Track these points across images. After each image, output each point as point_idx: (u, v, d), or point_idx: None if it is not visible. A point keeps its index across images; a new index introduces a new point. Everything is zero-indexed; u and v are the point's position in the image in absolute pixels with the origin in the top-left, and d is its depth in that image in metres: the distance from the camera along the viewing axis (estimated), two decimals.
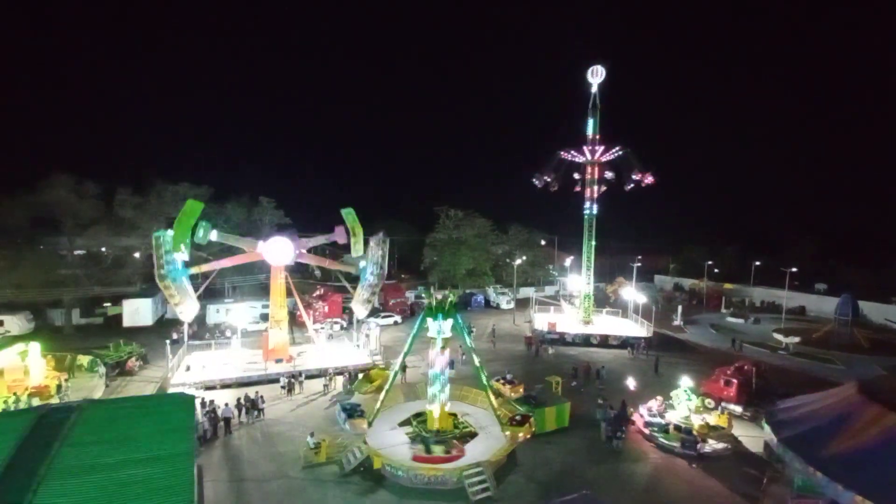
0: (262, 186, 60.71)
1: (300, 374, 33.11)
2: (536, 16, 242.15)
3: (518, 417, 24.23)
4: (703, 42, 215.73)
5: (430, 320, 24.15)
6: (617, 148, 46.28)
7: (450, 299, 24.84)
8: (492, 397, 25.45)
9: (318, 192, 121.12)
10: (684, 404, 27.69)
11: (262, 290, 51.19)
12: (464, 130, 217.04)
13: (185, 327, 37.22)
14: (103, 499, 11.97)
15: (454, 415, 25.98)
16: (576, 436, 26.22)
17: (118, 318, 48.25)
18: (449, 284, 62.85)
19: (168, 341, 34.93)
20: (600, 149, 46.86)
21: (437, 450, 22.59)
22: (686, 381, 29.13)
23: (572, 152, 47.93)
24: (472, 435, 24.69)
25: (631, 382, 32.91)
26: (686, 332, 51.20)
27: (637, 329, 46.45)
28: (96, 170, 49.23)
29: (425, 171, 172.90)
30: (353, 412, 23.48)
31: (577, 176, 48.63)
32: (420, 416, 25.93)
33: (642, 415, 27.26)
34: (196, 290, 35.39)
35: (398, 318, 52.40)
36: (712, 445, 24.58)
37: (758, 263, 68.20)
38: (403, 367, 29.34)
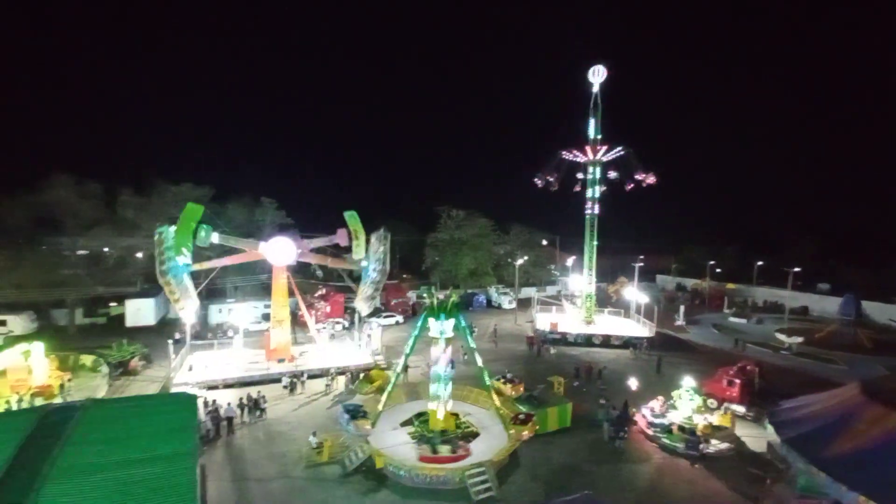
0: (263, 186, 60.77)
1: (302, 374, 33.15)
2: (536, 16, 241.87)
3: (521, 416, 24.24)
4: (703, 42, 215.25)
5: (432, 320, 24.16)
6: (619, 148, 46.23)
7: (452, 299, 24.86)
8: (495, 397, 25.46)
9: (319, 192, 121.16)
10: (687, 404, 27.64)
11: (264, 290, 51.22)
12: (464, 130, 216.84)
13: (188, 327, 37.30)
14: (106, 498, 11.99)
15: (456, 414, 25.98)
16: (578, 436, 26.20)
17: (121, 317, 48.41)
18: (451, 284, 62.85)
19: (171, 341, 35.02)
20: (602, 149, 46.81)
21: (444, 449, 22.59)
22: (688, 381, 29.08)
23: (574, 152, 47.89)
24: (474, 435, 24.69)
25: (633, 382, 32.86)
26: (688, 332, 51.11)
27: (639, 329, 46.38)
28: (97, 170, 49.43)
29: (426, 171, 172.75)
30: (356, 413, 23.50)
31: (580, 176, 48.57)
32: (422, 416, 25.94)
33: (645, 415, 27.22)
34: (196, 287, 35.43)
35: (400, 318, 52.43)
36: (716, 446, 24.53)
37: (760, 263, 68.04)
38: (405, 367, 29.37)
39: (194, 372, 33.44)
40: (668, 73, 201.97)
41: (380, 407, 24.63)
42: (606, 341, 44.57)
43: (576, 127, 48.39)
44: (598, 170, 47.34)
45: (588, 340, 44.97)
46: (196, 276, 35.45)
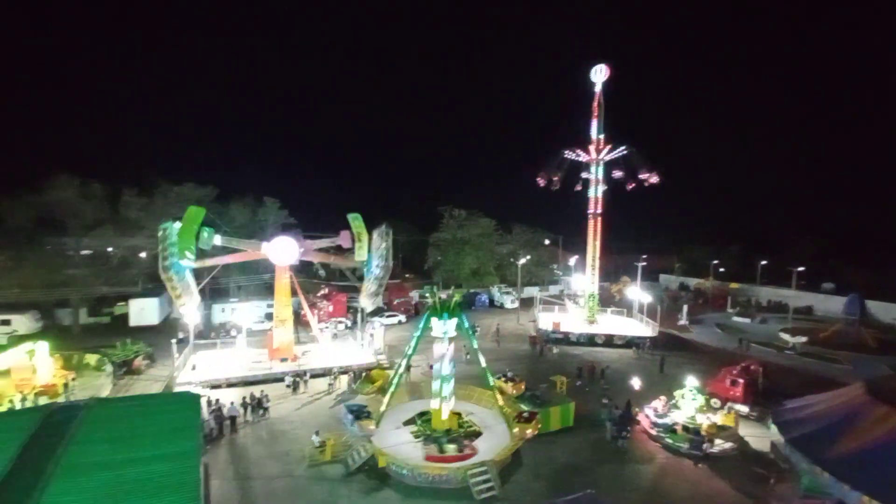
0: (264, 186, 60.75)
1: (305, 373, 33.22)
2: (537, 15, 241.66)
3: (525, 414, 24.23)
4: (704, 41, 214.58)
5: (434, 320, 24.18)
6: (622, 147, 46.14)
7: (455, 299, 24.86)
8: (499, 397, 25.45)
9: (321, 191, 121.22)
10: (690, 404, 27.57)
11: (267, 290, 51.29)
12: (466, 130, 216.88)
13: (191, 327, 37.42)
14: (110, 496, 12.06)
15: (458, 414, 26.00)
16: (580, 435, 26.17)
17: (125, 317, 48.61)
18: (453, 284, 62.84)
19: (174, 340, 35.10)
20: (606, 148, 46.73)
21: (450, 449, 22.60)
22: (692, 381, 29.01)
23: (577, 151, 47.83)
24: (477, 434, 24.70)
25: (636, 382, 32.80)
26: (691, 332, 50.93)
27: (642, 329, 46.27)
28: (100, 171, 49.58)
29: (428, 171, 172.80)
30: (360, 414, 23.49)
31: (584, 175, 48.45)
32: (424, 415, 25.96)
33: (648, 415, 27.15)
34: (198, 284, 35.48)
35: (402, 318, 52.46)
36: (720, 445, 24.45)
37: (764, 263, 67.78)
38: (408, 367, 29.41)
39: (198, 371, 33.55)
40: (668, 72, 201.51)
41: (383, 407, 24.65)
42: (609, 341, 44.49)
43: (577, 126, 48.36)
44: (600, 169, 47.26)
45: (591, 340, 44.89)
46: (198, 275, 35.53)
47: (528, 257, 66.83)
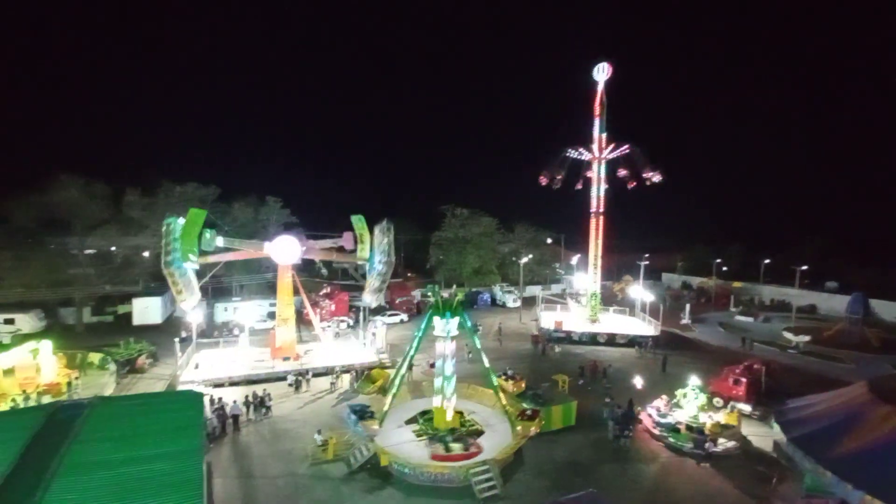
0: (266, 185, 60.87)
1: (307, 372, 33.29)
2: (538, 14, 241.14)
3: (528, 412, 24.20)
4: (705, 41, 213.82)
5: (437, 319, 24.19)
6: (625, 146, 46.05)
7: (457, 298, 24.87)
8: (502, 397, 25.44)
9: (322, 191, 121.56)
10: (692, 403, 27.54)
11: (270, 289, 51.48)
12: (467, 129, 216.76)
13: (194, 326, 37.53)
14: (113, 494, 12.11)
15: (460, 413, 26.02)
16: (582, 434, 26.15)
17: (128, 316, 48.80)
18: (455, 283, 62.82)
19: (177, 339, 35.22)
20: (609, 146, 46.65)
21: (456, 447, 22.61)
22: (694, 380, 28.97)
23: (580, 149, 47.77)
24: (479, 433, 24.71)
25: (638, 381, 32.76)
26: (694, 331, 50.87)
27: (644, 327, 46.20)
28: (102, 171, 49.64)
29: (429, 170, 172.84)
30: (363, 414, 23.46)
31: (589, 174, 48.34)
32: (426, 414, 25.98)
33: (651, 415, 27.10)
34: (199, 281, 35.59)
35: (404, 317, 52.50)
36: (723, 444, 24.41)
37: (767, 262, 67.54)
38: (410, 367, 29.43)
39: (200, 370, 33.65)
40: (670, 72, 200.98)
41: (386, 406, 24.67)
42: (611, 340, 44.44)
43: (579, 125, 48.37)
44: (602, 167, 47.16)
45: (593, 339, 44.84)
46: (200, 272, 35.63)
47: (531, 256, 66.80)
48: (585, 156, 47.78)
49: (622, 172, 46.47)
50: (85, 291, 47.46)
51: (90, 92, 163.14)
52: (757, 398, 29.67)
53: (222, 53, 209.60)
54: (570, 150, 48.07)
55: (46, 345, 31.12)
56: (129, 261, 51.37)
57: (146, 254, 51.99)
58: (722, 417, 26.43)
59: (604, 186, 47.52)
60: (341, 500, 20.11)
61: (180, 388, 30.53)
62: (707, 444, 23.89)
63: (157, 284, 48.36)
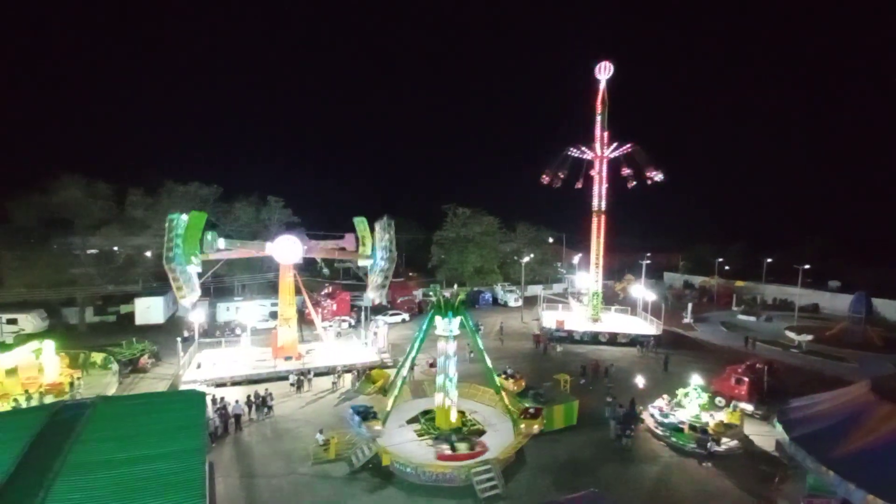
0: (266, 185, 60.77)
1: (309, 372, 33.33)
2: (539, 14, 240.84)
3: (531, 410, 24.19)
4: (706, 40, 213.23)
5: (438, 318, 24.19)
6: (628, 145, 45.99)
7: (459, 297, 24.87)
8: (505, 397, 25.43)
9: (323, 190, 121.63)
10: (694, 402, 27.50)
11: (272, 289, 51.54)
12: (468, 128, 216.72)
13: (196, 325, 37.61)
14: (116, 494, 12.13)
15: (462, 412, 26.01)
16: (584, 434, 26.13)
17: (131, 316, 48.94)
18: (456, 282, 62.83)
19: (179, 339, 35.30)
20: (611, 145, 46.57)
21: (462, 447, 22.60)
22: (696, 379, 28.92)
23: (582, 148, 47.72)
24: (480, 432, 24.71)
25: (640, 381, 32.70)
26: (696, 330, 50.78)
27: (646, 327, 46.13)
28: (103, 171, 49.86)
29: (429, 170, 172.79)
30: (366, 415, 23.47)
31: (592, 173, 48.26)
32: (428, 414, 25.99)
33: (653, 415, 27.05)
34: (200, 279, 35.66)
35: (406, 316, 52.53)
36: (725, 444, 24.37)
37: (769, 260, 67.39)
38: (412, 367, 29.43)
39: (203, 370, 33.72)
40: (672, 71, 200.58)
41: (388, 407, 24.67)
42: (613, 339, 44.38)
43: (580, 124, 48.38)
44: (604, 166, 47.08)
45: (594, 338, 44.79)
46: (201, 272, 35.67)
47: (532, 255, 66.77)
48: (587, 155, 47.72)
49: (626, 171, 46.27)
50: (87, 291, 47.57)
51: (90, 92, 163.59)
52: (759, 397, 29.62)
53: (222, 53, 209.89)
54: (571, 148, 48.04)
55: (49, 345, 31.22)
56: (131, 261, 51.48)
57: (148, 253, 52.12)
58: (724, 417, 26.41)
59: (605, 185, 47.48)
60: (343, 500, 20.14)
61: (182, 387, 30.59)
62: (709, 444, 23.85)
63: (159, 284, 48.41)
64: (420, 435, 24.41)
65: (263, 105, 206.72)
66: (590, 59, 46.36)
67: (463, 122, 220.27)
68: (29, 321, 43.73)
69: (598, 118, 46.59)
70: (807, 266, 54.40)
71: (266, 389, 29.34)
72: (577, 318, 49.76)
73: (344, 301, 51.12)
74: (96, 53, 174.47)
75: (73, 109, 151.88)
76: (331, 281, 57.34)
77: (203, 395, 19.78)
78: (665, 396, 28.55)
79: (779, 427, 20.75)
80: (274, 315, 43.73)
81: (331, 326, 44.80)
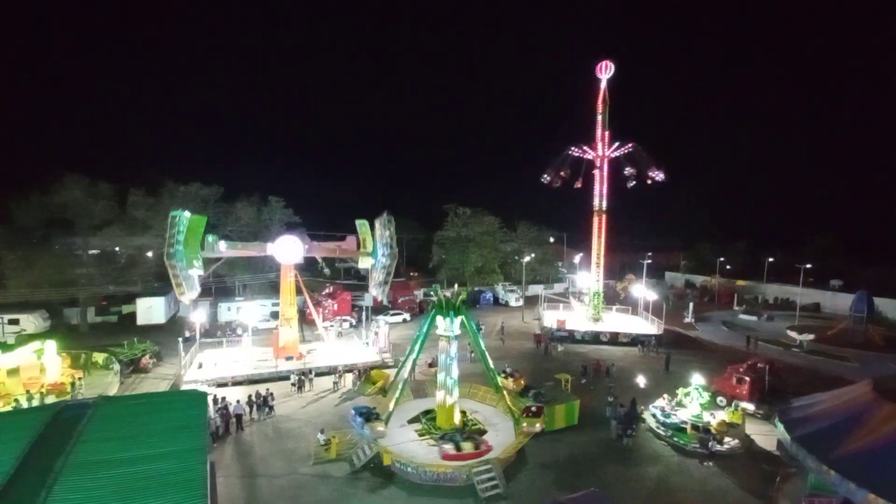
0: (267, 185, 60.78)
1: (310, 372, 33.35)
2: (540, 14, 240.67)
3: (534, 409, 24.19)
4: (709, 39, 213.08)
5: (439, 318, 24.18)
6: (630, 144, 45.95)
7: (461, 297, 24.87)
8: (507, 397, 25.42)
9: (324, 190, 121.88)
10: (695, 402, 27.48)
11: (273, 289, 51.56)
12: (469, 128, 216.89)
13: (198, 325, 37.67)
14: (118, 494, 12.14)
15: (463, 412, 26.01)
16: (585, 433, 26.12)
17: (132, 316, 49.01)
18: (457, 282, 62.84)
19: (181, 339, 35.35)
20: (613, 145, 46.54)
21: (467, 446, 22.58)
22: (697, 379, 28.90)
23: (584, 147, 47.69)
24: (481, 432, 24.71)
25: (641, 380, 32.71)
26: (697, 330, 50.76)
27: (647, 326, 46.11)
28: (104, 171, 49.88)
29: (429, 170, 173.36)
30: (369, 416, 23.43)
31: (594, 172, 48.21)
32: (429, 413, 25.99)
33: (655, 415, 27.02)
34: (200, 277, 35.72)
35: (407, 316, 52.56)
36: (727, 443, 24.35)
37: (771, 260, 67.34)
38: (413, 368, 29.44)
39: (204, 369, 33.78)
40: (670, 71, 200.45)
41: (391, 407, 24.66)
42: (614, 339, 44.37)
43: (581, 124, 48.37)
44: (606, 165, 47.04)
45: (596, 338, 44.77)
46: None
47: (533, 255, 66.76)
48: (589, 154, 47.70)
49: (630, 171, 46.09)
50: (89, 292, 47.66)
51: (91, 92, 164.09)
52: (760, 397, 29.59)
53: (222, 53, 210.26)
54: (573, 148, 48.03)
55: (51, 345, 31.28)
56: (133, 261, 51.54)
57: (150, 254, 52.16)
58: (725, 416, 26.38)
59: (606, 185, 47.43)
60: (344, 500, 20.15)
61: (184, 387, 30.64)
62: (711, 444, 23.83)
63: (160, 284, 48.46)
64: (421, 435, 24.41)
65: (264, 105, 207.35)
66: (590, 59, 46.45)
67: (463, 122, 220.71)
68: (31, 321, 43.81)
69: (599, 118, 46.58)
70: (808, 265, 54.37)
71: (267, 389, 29.38)
72: (578, 317, 49.75)
73: (345, 301, 51.16)
74: (96, 53, 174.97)
75: (74, 109, 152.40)
76: (332, 281, 57.40)
77: (204, 395, 19.77)
78: (665, 396, 28.53)
79: (780, 426, 20.71)
80: (275, 315, 43.77)
81: (332, 326, 44.84)
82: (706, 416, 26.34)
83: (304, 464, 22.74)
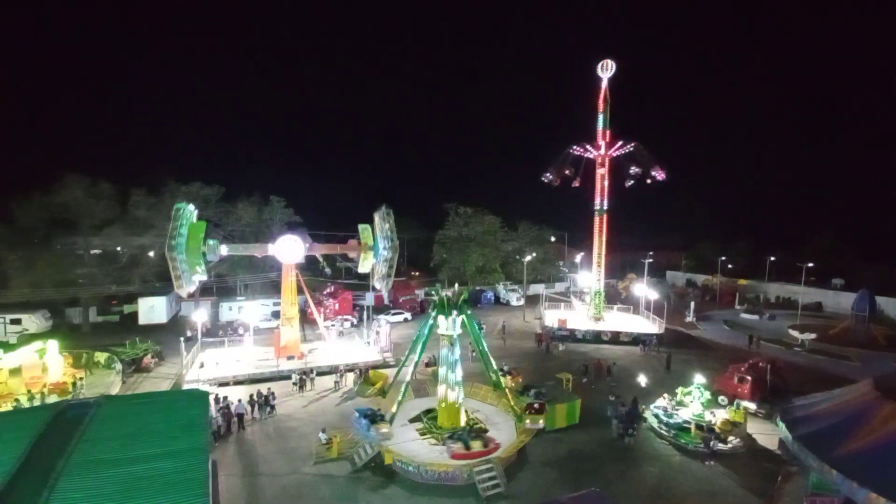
0: (267, 185, 60.74)
1: (311, 371, 33.38)
2: (541, 12, 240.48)
3: (536, 406, 24.19)
4: (711, 38, 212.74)
5: (441, 318, 24.18)
6: (631, 143, 45.89)
7: (462, 296, 24.85)
8: (509, 396, 25.41)
9: (321, 191, 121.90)
10: (696, 401, 27.44)
11: (274, 288, 51.61)
12: (470, 127, 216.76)
13: (199, 325, 37.71)
14: (120, 493, 12.16)
15: (465, 411, 25.98)
16: (586, 433, 26.12)
17: (134, 315, 49.07)
18: (458, 281, 62.85)
19: (182, 339, 35.41)
20: (614, 144, 46.48)
21: (477, 445, 22.57)
22: (698, 378, 28.87)
23: (585, 146, 47.64)
24: (483, 431, 24.70)
25: (642, 379, 32.68)
26: (699, 329, 50.70)
27: (648, 325, 46.08)
28: (104, 171, 49.86)
29: (430, 169, 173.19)
30: (374, 418, 23.30)
31: (597, 171, 48.12)
32: (430, 413, 26.00)
33: (657, 415, 27.00)
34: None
35: (408, 315, 52.58)
36: (731, 442, 24.32)
37: (772, 259, 67.19)
38: (415, 369, 29.45)
39: (205, 369, 33.82)
40: (675, 69, 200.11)
41: (394, 408, 24.65)
42: (615, 338, 44.34)
43: (582, 122, 48.35)
44: (607, 165, 46.99)
45: (597, 337, 44.75)
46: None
47: (534, 254, 66.70)
48: (590, 153, 47.64)
49: (635, 170, 45.97)
50: (91, 291, 47.74)
51: (92, 92, 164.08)
52: (762, 396, 29.56)
53: (222, 53, 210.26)
54: (574, 147, 47.98)
55: (53, 344, 31.35)
56: (134, 260, 51.61)
57: (151, 253, 52.23)
58: (726, 415, 26.35)
59: (607, 184, 47.36)
60: (345, 499, 20.19)
61: (185, 387, 30.69)
62: (712, 443, 23.81)
63: (162, 284, 48.55)
64: (423, 434, 24.42)
65: (264, 105, 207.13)
66: (591, 59, 46.39)
67: (464, 121, 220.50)
68: (33, 321, 43.90)
69: (601, 116, 46.52)
70: (810, 264, 54.28)
71: (269, 388, 29.41)
72: (579, 316, 49.73)
73: (346, 300, 51.22)
74: (96, 53, 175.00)
75: (74, 109, 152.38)
76: (333, 280, 57.45)
77: (206, 394, 19.82)
78: (665, 395, 28.51)
79: (782, 426, 20.69)
80: (276, 314, 43.83)
81: (333, 326, 44.89)
82: (707, 416, 26.30)
83: (305, 463, 22.78)
